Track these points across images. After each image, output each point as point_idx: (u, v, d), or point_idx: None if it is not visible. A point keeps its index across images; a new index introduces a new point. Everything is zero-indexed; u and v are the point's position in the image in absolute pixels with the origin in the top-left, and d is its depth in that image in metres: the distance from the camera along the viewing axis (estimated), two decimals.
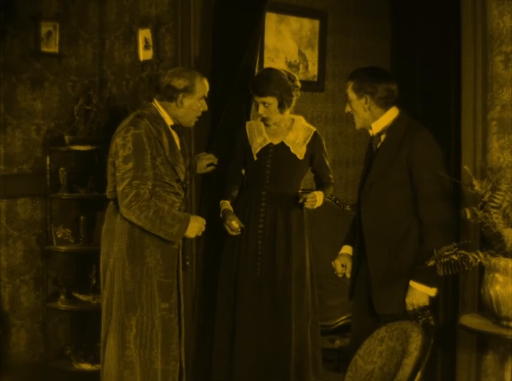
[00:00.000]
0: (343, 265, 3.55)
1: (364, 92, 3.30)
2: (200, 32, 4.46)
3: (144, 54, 4.70)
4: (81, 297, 4.80)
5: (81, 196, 4.83)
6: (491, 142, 3.35)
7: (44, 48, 4.84)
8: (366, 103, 3.31)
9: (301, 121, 4.25)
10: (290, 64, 5.90)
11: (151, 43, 4.65)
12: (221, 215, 4.16)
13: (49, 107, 4.95)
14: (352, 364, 2.78)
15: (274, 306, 4.08)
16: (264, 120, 4.17)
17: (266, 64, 5.43)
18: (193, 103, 3.64)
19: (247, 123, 4.28)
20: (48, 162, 4.84)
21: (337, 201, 5.77)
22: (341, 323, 4.96)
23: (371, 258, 3.34)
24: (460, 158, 3.43)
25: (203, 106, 3.68)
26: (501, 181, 2.98)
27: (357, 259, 3.46)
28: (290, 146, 4.17)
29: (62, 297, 4.84)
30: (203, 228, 3.63)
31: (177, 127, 3.68)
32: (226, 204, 4.17)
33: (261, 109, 4.11)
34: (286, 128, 4.20)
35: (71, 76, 5.03)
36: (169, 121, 3.65)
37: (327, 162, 4.31)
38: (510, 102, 3.28)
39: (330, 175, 4.32)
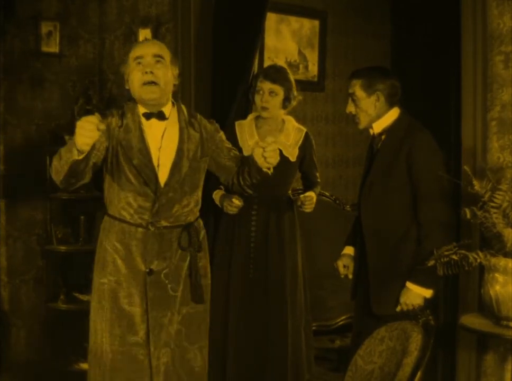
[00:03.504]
0: (345, 266, 3.55)
1: (375, 89, 3.30)
2: (200, 32, 4.45)
3: None
4: (81, 297, 4.80)
5: (81, 196, 4.83)
6: (491, 142, 3.35)
7: (44, 48, 4.84)
8: (378, 100, 3.31)
9: (291, 122, 4.19)
10: (290, 64, 5.90)
11: None
12: (219, 203, 4.05)
13: (49, 107, 4.95)
14: (352, 364, 2.78)
15: (269, 307, 4.05)
16: (263, 109, 4.05)
17: (266, 64, 5.43)
18: (130, 71, 3.15)
19: (237, 123, 4.17)
20: (48, 162, 4.84)
21: (337, 201, 5.76)
22: (341, 322, 4.96)
23: (370, 258, 3.34)
24: (460, 158, 3.43)
25: (142, 67, 3.10)
26: (501, 181, 2.98)
27: (359, 259, 3.46)
28: (282, 149, 4.08)
29: (62, 297, 4.84)
30: (86, 125, 2.70)
31: (153, 114, 3.17)
32: (221, 192, 4.04)
33: (266, 97, 4.02)
34: (277, 130, 4.13)
35: (71, 76, 5.03)
36: (141, 109, 3.18)
37: (316, 161, 4.28)
38: (510, 102, 3.28)
39: (317, 174, 4.29)
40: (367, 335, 2.81)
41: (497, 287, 2.87)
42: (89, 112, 4.82)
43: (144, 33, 4.70)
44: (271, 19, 5.73)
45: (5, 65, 4.72)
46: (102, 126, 2.73)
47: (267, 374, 4.07)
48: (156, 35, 4.64)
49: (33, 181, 4.86)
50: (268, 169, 3.13)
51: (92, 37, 5.10)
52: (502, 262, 2.86)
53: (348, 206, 5.76)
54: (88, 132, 2.69)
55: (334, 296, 5.01)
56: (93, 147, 2.82)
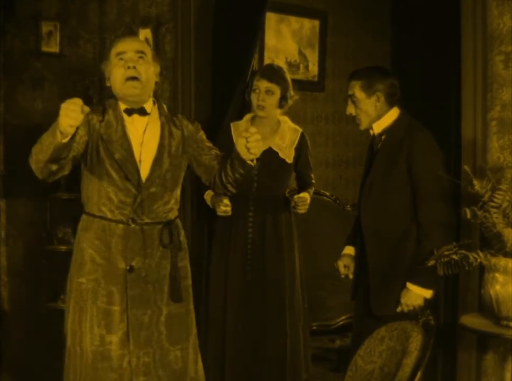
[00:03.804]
0: (345, 266, 3.54)
1: (375, 89, 3.29)
2: (200, 32, 4.46)
3: None
4: None
5: (81, 195, 4.82)
6: (491, 142, 3.35)
7: (44, 48, 4.84)
8: (378, 101, 3.30)
9: (287, 122, 4.16)
10: (290, 64, 5.90)
11: (151, 42, 4.65)
12: (210, 203, 4.03)
13: (49, 107, 4.94)
14: (352, 364, 2.77)
15: (267, 309, 4.03)
16: (259, 108, 4.01)
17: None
18: (112, 67, 3.11)
19: (232, 124, 4.12)
20: None
21: (337, 201, 5.76)
22: (341, 322, 4.96)
23: (370, 258, 3.34)
24: (460, 158, 3.43)
25: (124, 63, 3.07)
26: (501, 181, 2.98)
27: (359, 259, 3.46)
28: (278, 151, 4.07)
29: (62, 297, 4.83)
30: (70, 106, 2.66)
31: (134, 110, 3.15)
32: (212, 192, 3.96)
33: (262, 96, 3.99)
34: (273, 131, 4.10)
35: (71, 76, 5.03)
36: (122, 105, 3.15)
37: (310, 161, 4.24)
38: (510, 102, 3.28)
39: (312, 175, 4.25)
40: (367, 335, 2.81)
41: (498, 287, 2.87)
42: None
43: (144, 33, 4.70)
44: (271, 19, 5.73)
45: (5, 65, 4.71)
46: (87, 108, 2.70)
47: (266, 375, 4.06)
48: (156, 35, 4.64)
49: (33, 181, 4.84)
50: (252, 161, 3.05)
51: (92, 37, 5.10)
52: (502, 262, 2.86)
53: (348, 206, 5.76)
54: (72, 113, 2.65)
55: (334, 296, 5.01)
56: (73, 138, 2.79)
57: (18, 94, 4.82)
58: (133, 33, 4.82)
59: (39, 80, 4.91)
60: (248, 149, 2.97)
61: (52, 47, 4.88)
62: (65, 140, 2.77)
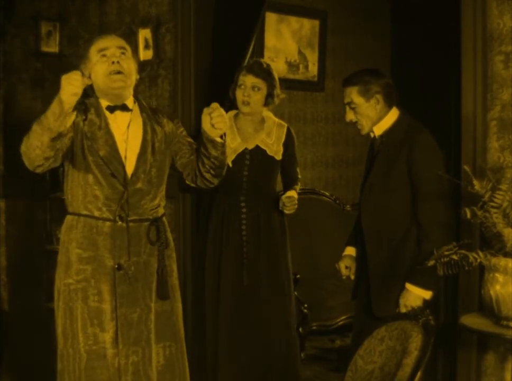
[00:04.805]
0: (346, 267, 3.52)
1: (373, 92, 3.27)
2: (200, 32, 4.46)
3: (144, 54, 4.71)
4: None
5: None
6: (491, 142, 3.35)
7: (44, 48, 4.85)
8: (378, 103, 3.29)
9: (271, 118, 4.08)
10: (290, 64, 5.91)
11: (151, 42, 4.66)
12: None
13: None
14: (352, 364, 2.77)
15: (270, 312, 3.98)
16: (244, 104, 3.92)
17: None
18: (94, 64, 3.12)
19: None
20: None
21: (337, 201, 5.77)
22: (341, 322, 4.97)
23: (370, 259, 3.34)
24: (460, 158, 3.43)
25: (107, 58, 3.08)
26: (501, 181, 2.97)
27: (360, 259, 3.45)
28: (266, 149, 4.00)
29: None
30: (72, 75, 2.73)
31: (117, 107, 3.14)
32: None
33: (248, 92, 3.90)
34: (258, 129, 4.03)
35: None
36: (104, 103, 3.14)
37: (296, 156, 4.16)
38: (510, 102, 3.28)
39: (298, 169, 4.16)
40: (367, 335, 2.81)
41: (498, 287, 2.87)
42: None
43: (144, 33, 4.70)
44: (271, 19, 5.74)
45: (5, 65, 4.72)
46: (86, 81, 2.80)
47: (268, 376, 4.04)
48: (156, 35, 4.65)
49: (33, 181, 4.85)
50: (221, 137, 3.04)
51: (92, 37, 5.08)
52: (502, 262, 2.86)
53: (348, 206, 5.77)
54: (74, 81, 2.71)
55: (334, 296, 5.02)
56: (74, 110, 2.85)
57: (18, 94, 4.82)
58: (133, 33, 4.83)
59: (39, 80, 4.91)
60: (213, 125, 2.97)
61: (52, 47, 4.89)
62: (70, 110, 2.81)
